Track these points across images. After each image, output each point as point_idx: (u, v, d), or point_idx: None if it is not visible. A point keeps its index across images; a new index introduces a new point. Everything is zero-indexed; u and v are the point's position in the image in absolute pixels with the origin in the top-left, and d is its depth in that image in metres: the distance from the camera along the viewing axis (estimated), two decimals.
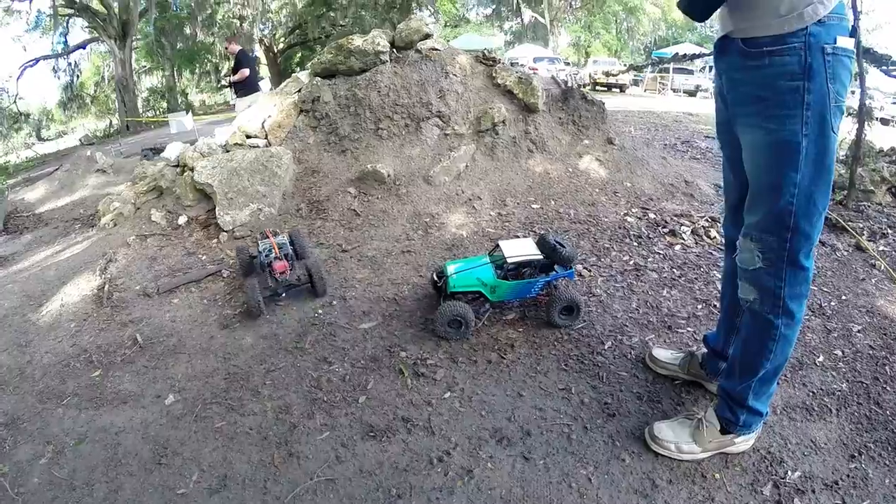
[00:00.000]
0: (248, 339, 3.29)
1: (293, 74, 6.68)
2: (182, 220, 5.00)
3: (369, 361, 3.00)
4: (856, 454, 2.31)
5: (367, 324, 3.38)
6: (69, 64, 25.73)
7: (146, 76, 31.35)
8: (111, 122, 24.26)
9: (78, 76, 27.50)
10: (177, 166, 5.58)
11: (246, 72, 9.32)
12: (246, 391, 2.81)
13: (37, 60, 23.46)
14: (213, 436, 2.51)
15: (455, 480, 2.20)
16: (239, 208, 4.82)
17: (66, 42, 24.26)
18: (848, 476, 2.20)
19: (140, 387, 2.92)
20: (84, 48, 25.69)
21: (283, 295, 3.73)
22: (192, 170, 5.19)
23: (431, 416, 2.57)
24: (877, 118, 5.38)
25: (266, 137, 5.69)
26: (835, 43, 1.65)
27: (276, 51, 29.12)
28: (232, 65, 9.95)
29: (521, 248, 3.25)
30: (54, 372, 3.11)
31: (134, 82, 23.28)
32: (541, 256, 3.21)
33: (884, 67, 4.55)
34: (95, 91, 30.20)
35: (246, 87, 9.45)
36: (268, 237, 3.98)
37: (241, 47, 9.75)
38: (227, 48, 10.33)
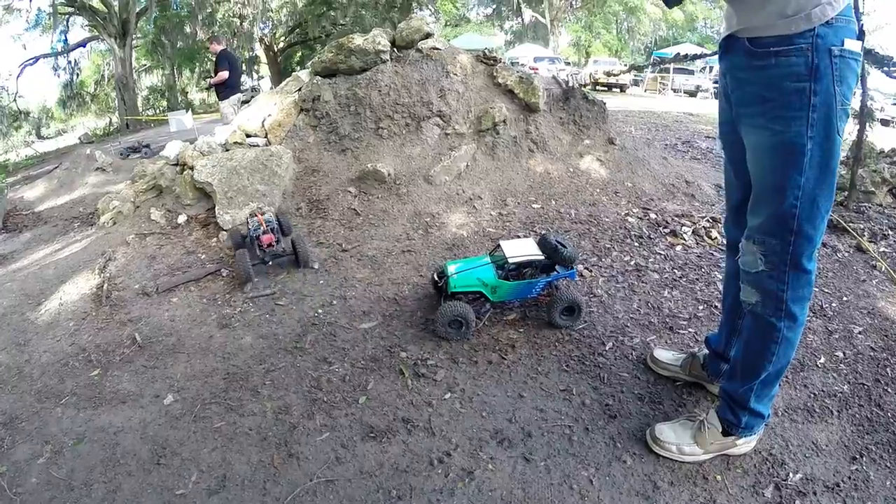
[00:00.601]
0: (248, 338, 3.28)
1: (293, 73, 6.67)
2: (181, 218, 4.98)
3: (369, 362, 2.99)
4: (857, 456, 2.30)
5: (367, 324, 3.37)
6: (69, 62, 25.68)
7: (146, 75, 31.29)
8: (111, 120, 24.23)
9: (78, 74, 27.45)
10: (176, 165, 5.56)
11: (225, 74, 9.09)
12: (245, 391, 2.80)
13: (37, 59, 23.42)
14: (213, 436, 2.50)
15: (456, 482, 2.19)
16: (238, 207, 4.80)
17: (66, 40, 24.22)
18: (849, 478, 2.19)
19: (139, 386, 2.91)
20: (84, 46, 25.65)
21: (270, 263, 4.07)
22: (191, 168, 5.17)
23: (432, 416, 2.56)
24: (877, 119, 5.37)
25: (266, 136, 5.68)
26: (842, 45, 1.64)
27: (276, 50, 29.09)
28: (213, 66, 9.60)
29: (522, 249, 3.24)
30: (53, 371, 3.10)
31: (134, 81, 23.23)
32: (542, 257, 3.20)
33: (885, 68, 4.53)
34: (95, 89, 30.15)
35: (226, 90, 9.34)
36: (256, 216, 4.31)
37: (223, 47, 9.55)
38: (209, 48, 10.11)
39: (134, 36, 22.43)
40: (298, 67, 25.31)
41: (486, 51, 6.58)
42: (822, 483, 2.17)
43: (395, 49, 6.00)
